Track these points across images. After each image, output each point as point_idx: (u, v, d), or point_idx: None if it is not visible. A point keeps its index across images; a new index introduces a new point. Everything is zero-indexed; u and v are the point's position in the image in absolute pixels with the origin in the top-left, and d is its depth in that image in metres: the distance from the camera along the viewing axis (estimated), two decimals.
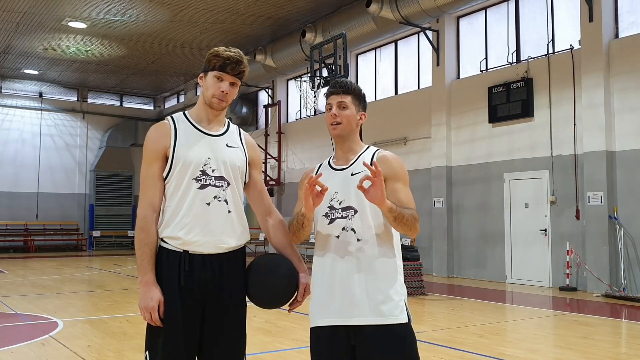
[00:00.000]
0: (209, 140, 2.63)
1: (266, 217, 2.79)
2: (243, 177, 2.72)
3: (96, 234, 24.06)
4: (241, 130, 2.82)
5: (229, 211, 2.60)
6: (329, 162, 2.75)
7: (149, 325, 2.56)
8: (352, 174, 2.61)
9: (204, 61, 2.67)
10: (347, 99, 2.68)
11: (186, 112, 2.72)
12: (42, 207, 23.54)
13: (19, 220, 23.10)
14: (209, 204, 2.55)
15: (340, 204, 2.59)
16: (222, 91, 2.59)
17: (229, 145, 2.66)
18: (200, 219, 2.54)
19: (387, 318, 2.48)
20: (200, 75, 2.68)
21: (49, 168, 23.90)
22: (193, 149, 2.58)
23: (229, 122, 2.77)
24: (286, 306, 2.75)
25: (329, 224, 2.59)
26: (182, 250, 2.53)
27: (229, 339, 2.60)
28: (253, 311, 9.33)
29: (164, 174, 2.59)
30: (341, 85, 2.70)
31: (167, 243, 2.57)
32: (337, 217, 2.57)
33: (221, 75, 2.60)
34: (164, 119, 2.72)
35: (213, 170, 2.58)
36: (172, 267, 2.53)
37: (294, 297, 2.68)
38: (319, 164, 2.79)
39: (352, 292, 2.50)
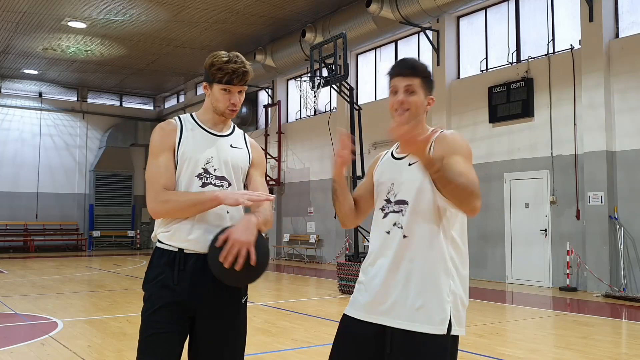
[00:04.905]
0: (213, 139, 2.63)
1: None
2: (245, 178, 2.72)
3: (96, 234, 24.08)
4: (246, 134, 2.82)
5: (227, 211, 2.58)
6: (392, 151, 2.51)
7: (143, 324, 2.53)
8: (410, 164, 2.33)
9: (204, 67, 2.63)
10: (416, 82, 2.34)
11: (194, 114, 2.71)
12: (41, 207, 23.54)
13: (18, 220, 23.11)
14: None
15: (395, 196, 2.36)
16: (233, 103, 2.60)
17: (233, 145, 2.67)
18: (199, 216, 2.53)
19: (421, 325, 2.22)
20: (204, 84, 2.65)
21: (49, 168, 23.91)
22: (197, 146, 2.58)
23: (234, 126, 2.77)
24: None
25: (383, 218, 2.39)
26: (177, 249, 2.53)
27: (226, 337, 2.58)
28: (253, 311, 9.25)
29: None
30: (410, 66, 2.36)
31: (161, 243, 2.56)
32: (390, 212, 2.36)
33: (229, 87, 2.58)
34: (164, 119, 2.72)
35: (215, 170, 2.58)
36: (167, 266, 2.52)
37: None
38: (385, 151, 2.57)
39: (391, 292, 2.28)
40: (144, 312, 2.54)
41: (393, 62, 2.48)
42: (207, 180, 2.56)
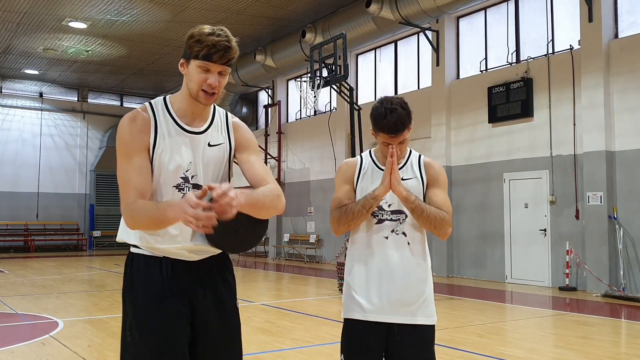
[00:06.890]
0: (190, 140, 2.28)
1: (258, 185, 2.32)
2: (227, 172, 2.40)
3: (96, 233, 24.09)
4: (229, 115, 2.44)
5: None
6: (373, 161, 2.73)
7: (125, 340, 2.29)
8: (403, 179, 2.63)
9: (184, 42, 2.23)
10: (407, 135, 2.61)
11: (168, 99, 2.33)
12: (42, 207, 23.55)
13: (19, 220, 23.12)
14: None
15: (389, 206, 2.64)
16: (210, 84, 2.19)
17: (211, 144, 2.33)
18: (182, 229, 2.25)
19: (426, 318, 2.63)
20: (182, 61, 2.24)
21: (49, 168, 23.92)
22: (175, 153, 2.25)
23: (214, 110, 2.38)
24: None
25: (377, 223, 2.64)
26: (162, 256, 2.27)
27: (226, 343, 2.41)
28: (253, 311, 9.27)
29: None
30: (400, 127, 2.54)
31: (141, 249, 2.29)
32: (386, 219, 2.63)
33: (207, 65, 2.18)
34: (142, 104, 2.35)
35: (192, 177, 2.29)
36: (152, 273, 2.26)
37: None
38: (359, 158, 2.74)
39: (397, 291, 2.59)
40: (141, 326, 2.24)
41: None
42: (188, 190, 2.28)
